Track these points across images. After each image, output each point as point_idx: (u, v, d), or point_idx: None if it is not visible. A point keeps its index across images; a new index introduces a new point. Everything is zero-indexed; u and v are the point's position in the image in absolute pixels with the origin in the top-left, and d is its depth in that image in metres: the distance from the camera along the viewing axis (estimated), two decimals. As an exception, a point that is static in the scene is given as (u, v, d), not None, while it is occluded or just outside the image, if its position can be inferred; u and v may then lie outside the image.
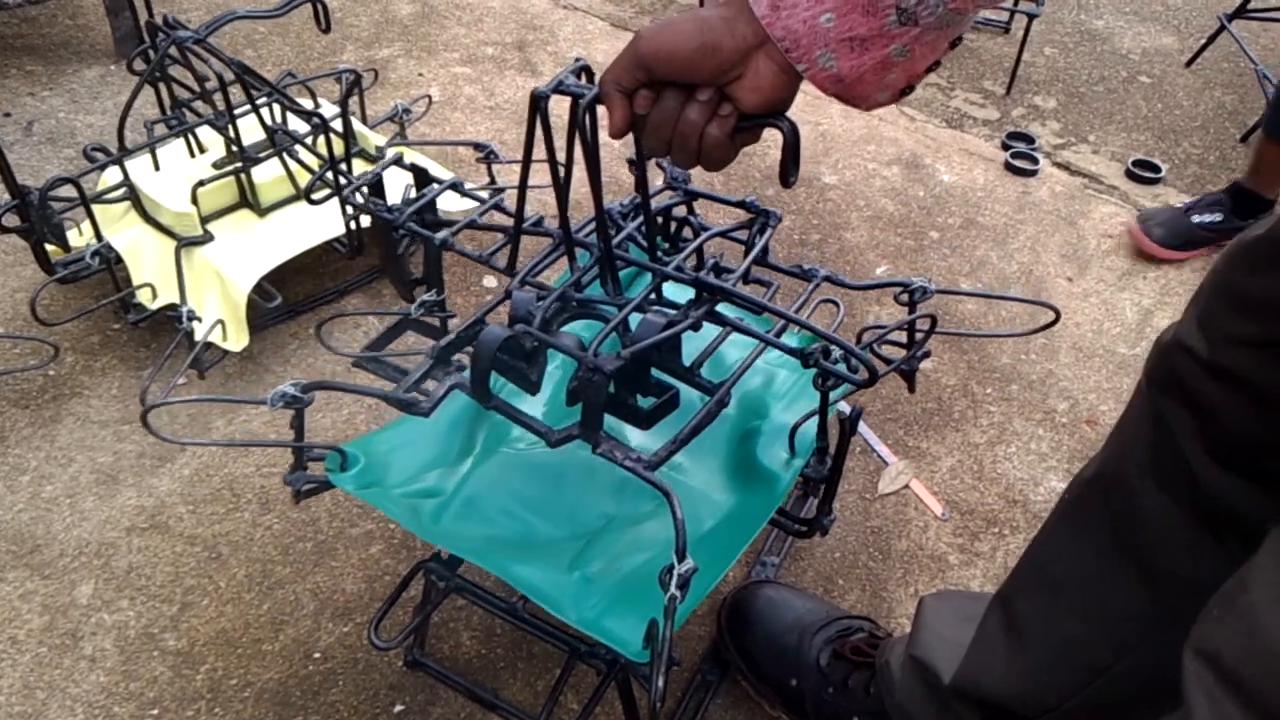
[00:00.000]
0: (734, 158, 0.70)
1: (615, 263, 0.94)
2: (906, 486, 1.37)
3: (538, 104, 0.78)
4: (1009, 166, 1.95)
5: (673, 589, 0.73)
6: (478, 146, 1.54)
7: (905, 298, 1.00)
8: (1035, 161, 1.95)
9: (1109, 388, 1.52)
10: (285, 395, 0.83)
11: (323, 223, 1.45)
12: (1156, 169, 1.97)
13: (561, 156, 0.83)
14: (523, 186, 0.89)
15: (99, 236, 1.36)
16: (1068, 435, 1.45)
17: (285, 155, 1.42)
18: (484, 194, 1.09)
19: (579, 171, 0.81)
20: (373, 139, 1.55)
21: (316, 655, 1.15)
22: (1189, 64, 2.36)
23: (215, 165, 1.42)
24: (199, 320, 1.33)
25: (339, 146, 1.38)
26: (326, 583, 1.21)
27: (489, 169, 1.55)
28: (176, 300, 1.35)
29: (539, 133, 0.80)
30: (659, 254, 0.98)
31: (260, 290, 1.38)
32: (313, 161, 1.43)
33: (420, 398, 0.87)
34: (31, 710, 1.09)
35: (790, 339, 0.95)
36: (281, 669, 1.13)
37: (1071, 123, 2.14)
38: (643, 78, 0.66)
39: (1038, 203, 1.87)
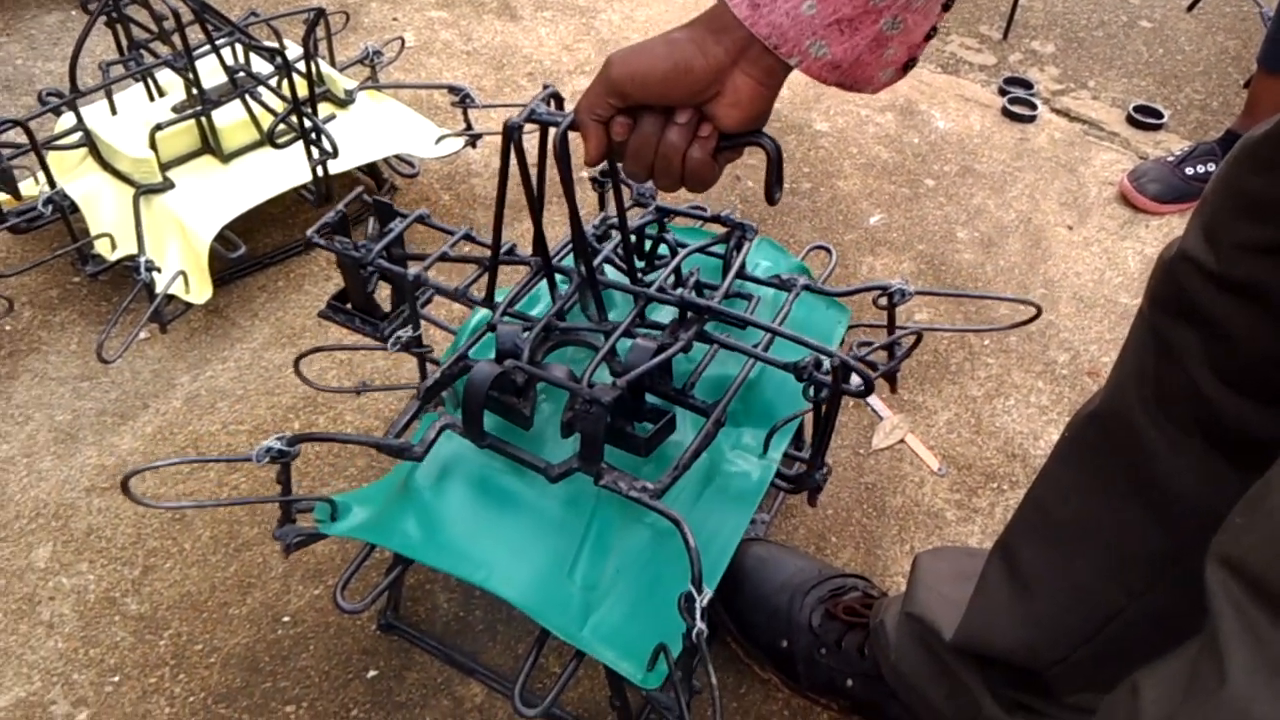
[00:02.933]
0: (718, 178, 0.69)
1: (598, 288, 0.93)
2: (902, 441, 1.32)
3: (510, 135, 0.77)
4: (1006, 113, 1.88)
5: (699, 624, 0.72)
6: (453, 90, 1.47)
7: (884, 301, 0.98)
8: (1033, 107, 1.88)
9: (1111, 338, 1.47)
10: (271, 450, 0.79)
11: (289, 170, 1.38)
12: (1159, 115, 1.91)
13: (533, 183, 0.82)
14: (498, 216, 0.87)
15: (52, 184, 1.29)
16: (1068, 387, 1.40)
17: (248, 98, 1.35)
18: (451, 226, 1.04)
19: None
20: (341, 82, 1.48)
21: (286, 619, 1.09)
22: (1190, 8, 2.29)
23: (175, 109, 1.35)
24: (159, 271, 1.26)
25: (304, 89, 1.31)
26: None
27: (465, 114, 1.48)
28: (136, 251, 1.28)
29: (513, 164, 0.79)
30: (637, 274, 0.97)
31: (223, 240, 1.32)
32: (278, 105, 1.36)
33: (411, 444, 0.85)
34: (-16, 679, 1.04)
35: (779, 350, 0.93)
36: (249, 633, 1.08)
37: (1070, 68, 2.07)
38: (617, 104, 0.65)
39: (1036, 150, 1.81)
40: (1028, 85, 1.96)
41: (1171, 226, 1.67)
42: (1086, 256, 1.60)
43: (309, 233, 1.00)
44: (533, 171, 0.82)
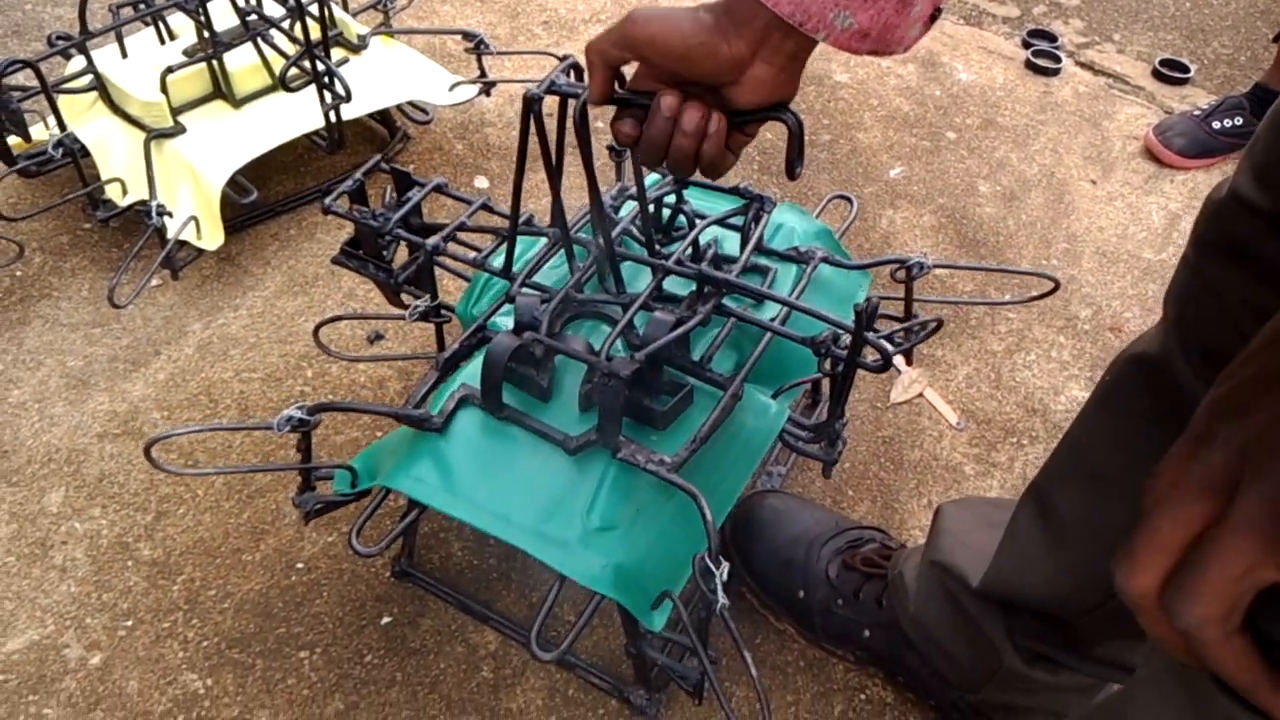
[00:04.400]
0: (734, 163, 0.69)
1: (617, 260, 0.92)
2: (920, 395, 1.31)
3: (531, 106, 0.76)
4: (1030, 65, 1.84)
5: (721, 599, 0.73)
6: (467, 35, 1.45)
7: (902, 274, 0.97)
8: (1057, 60, 1.85)
9: (1134, 294, 1.45)
10: (292, 419, 0.79)
11: (301, 115, 1.36)
12: (1185, 69, 1.87)
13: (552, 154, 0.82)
14: (517, 187, 0.86)
15: (63, 127, 1.27)
16: (1090, 343, 1.38)
17: (260, 41, 1.33)
18: (468, 195, 1.03)
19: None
20: (354, 27, 1.45)
21: (300, 566, 1.09)
22: (1219, -39, 2.24)
23: (186, 53, 1.33)
24: (170, 216, 1.25)
25: (317, 32, 1.29)
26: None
27: (479, 60, 1.45)
28: (147, 196, 1.27)
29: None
30: (655, 246, 0.96)
31: (235, 185, 1.30)
32: (290, 49, 1.34)
33: (430, 415, 0.85)
34: (0, 620, 1.03)
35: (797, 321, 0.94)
36: (263, 579, 1.08)
37: (1095, 21, 2.03)
38: (626, 57, 0.64)
39: (1060, 103, 1.78)
40: (1052, 38, 1.93)
41: (1196, 182, 1.64)
42: (1110, 211, 1.58)
43: (326, 202, 0.98)
44: (550, 140, 0.81)
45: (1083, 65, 1.89)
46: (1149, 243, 1.53)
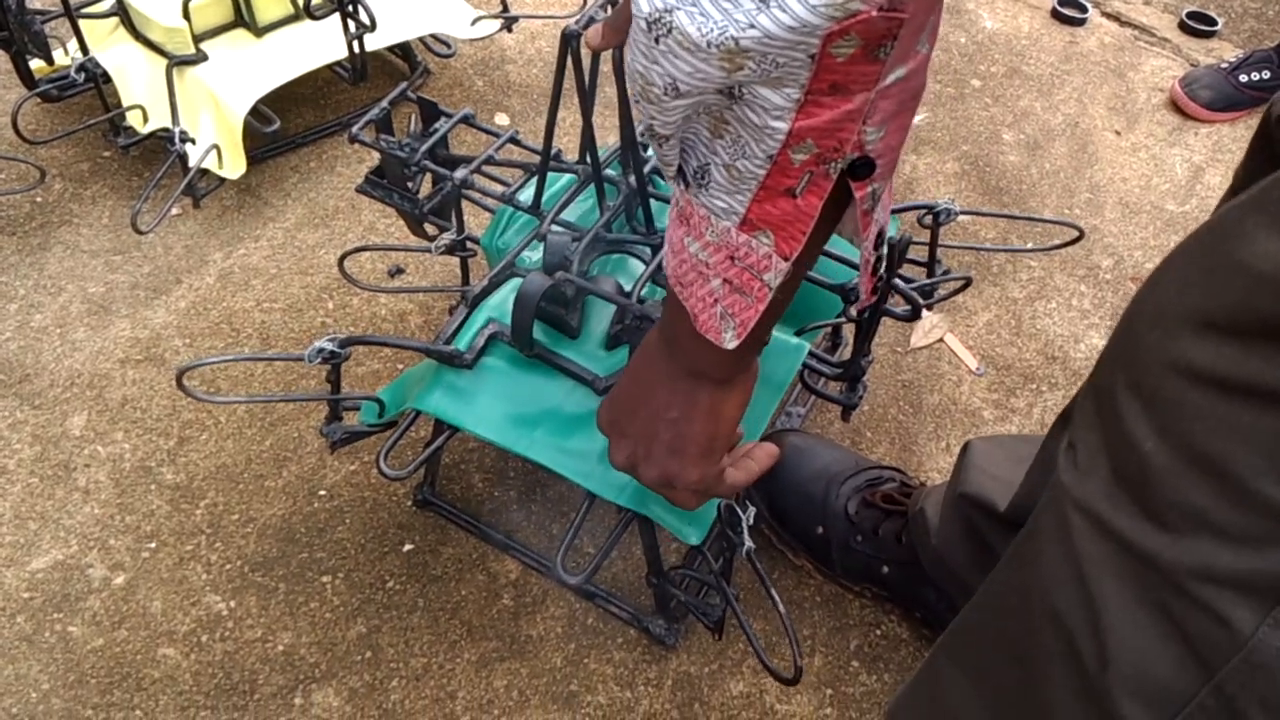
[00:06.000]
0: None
1: (648, 199, 0.91)
2: (940, 340, 1.31)
3: (569, 43, 0.76)
4: (1056, 14, 1.82)
5: (747, 541, 0.77)
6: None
7: (929, 220, 0.96)
8: (1084, 10, 1.82)
9: (1156, 244, 1.44)
10: (323, 351, 0.79)
11: (324, 45, 1.34)
12: (1212, 22, 1.84)
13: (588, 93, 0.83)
14: (551, 121, 0.86)
15: (85, 51, 1.26)
16: (1111, 292, 1.38)
17: (284, -33, 1.31)
18: (495, 129, 1.01)
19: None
20: (378, -43, 1.43)
21: (322, 493, 1.10)
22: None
23: (208, -22, 1.31)
24: (193, 143, 1.24)
25: (341, -42, 1.27)
26: (331, 420, 1.15)
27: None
28: (168, 123, 1.26)
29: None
30: None
31: (257, 114, 1.29)
32: (313, -23, 1.32)
33: (460, 351, 0.85)
34: (24, 540, 1.04)
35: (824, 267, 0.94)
36: (285, 505, 1.08)
37: (1123, -28, 2.00)
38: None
39: (1085, 53, 1.76)
40: (1079, -12, 1.90)
41: (1221, 135, 1.62)
42: (1134, 163, 1.57)
43: (353, 130, 0.97)
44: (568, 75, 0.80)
45: (1109, 16, 1.86)
46: (1172, 194, 1.52)
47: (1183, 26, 1.85)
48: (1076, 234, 1.03)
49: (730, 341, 0.52)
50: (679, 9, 0.39)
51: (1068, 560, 0.55)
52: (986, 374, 1.27)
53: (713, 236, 0.48)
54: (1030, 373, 1.28)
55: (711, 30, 0.38)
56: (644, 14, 0.40)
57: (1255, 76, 1.63)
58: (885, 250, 0.56)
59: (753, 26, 0.38)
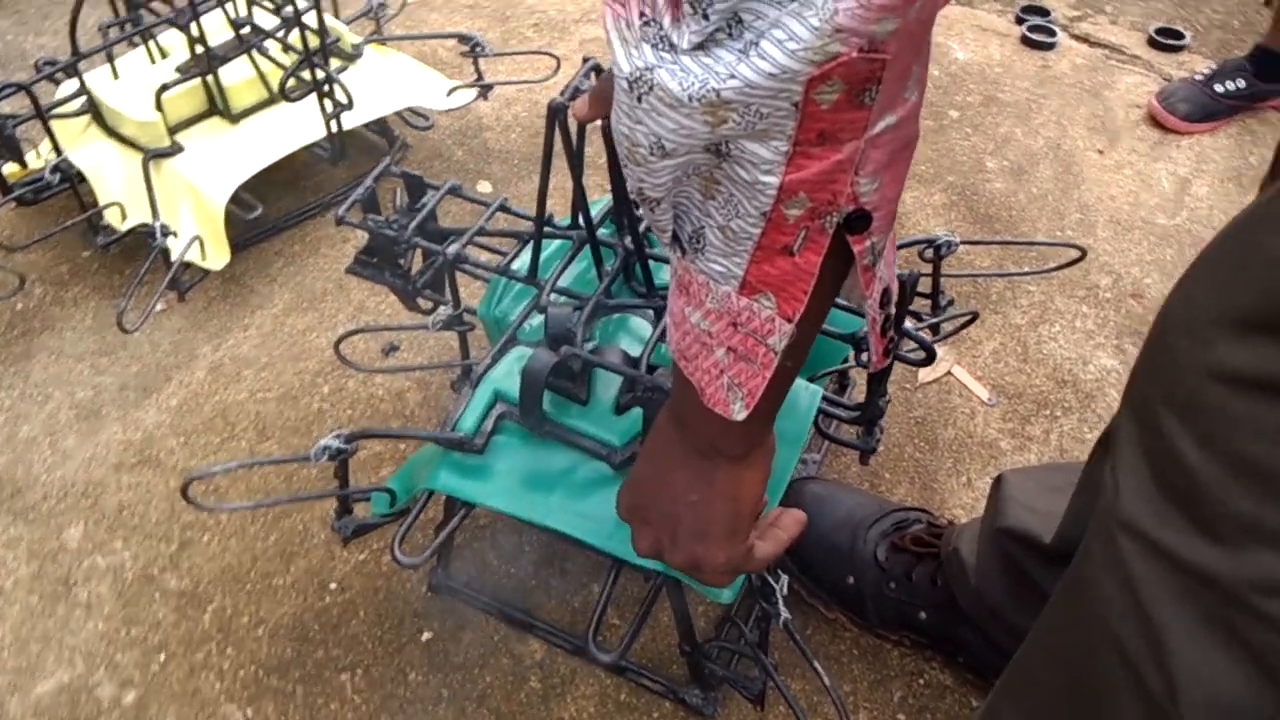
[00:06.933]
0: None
1: (647, 260, 0.90)
2: (948, 373, 1.28)
3: (556, 115, 0.77)
4: (1025, 40, 1.83)
5: (784, 613, 0.77)
6: (463, 38, 1.42)
7: (930, 254, 0.95)
8: (1052, 34, 1.83)
9: (1151, 260, 1.43)
10: (329, 449, 0.76)
11: (301, 126, 1.33)
12: (1180, 36, 1.86)
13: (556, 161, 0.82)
14: (542, 193, 0.86)
15: (59, 151, 1.24)
16: (1113, 311, 1.36)
17: (255, 53, 1.30)
18: (483, 198, 1.00)
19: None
20: (348, 36, 1.42)
21: (333, 586, 1.06)
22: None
23: (179, 69, 1.30)
24: (174, 236, 1.21)
25: (314, 40, 1.26)
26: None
27: (475, 63, 1.43)
28: (147, 219, 1.24)
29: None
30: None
31: (238, 201, 1.27)
32: (286, 61, 1.31)
33: (470, 436, 0.83)
34: (26, 664, 1.00)
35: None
36: (296, 603, 1.04)
37: (1085, -6, 2.02)
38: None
39: (1059, 76, 1.76)
40: (1044, 12, 1.91)
41: (1203, 146, 1.63)
42: (1119, 180, 1.56)
43: (339, 213, 0.95)
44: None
45: (1077, 38, 1.88)
46: (1161, 209, 1.52)
47: (1152, 43, 1.86)
48: (1078, 254, 1.01)
49: (739, 413, 0.49)
50: (659, 66, 0.38)
51: (1123, 586, 0.53)
52: (999, 404, 1.25)
53: (713, 303, 0.46)
54: (1042, 399, 1.26)
55: (693, 84, 0.37)
56: (625, 73, 0.39)
57: (1230, 86, 1.64)
58: (893, 310, 0.54)
59: (733, 76, 0.37)
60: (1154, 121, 1.66)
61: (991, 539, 0.89)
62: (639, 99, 0.39)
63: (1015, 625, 0.89)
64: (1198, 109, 1.64)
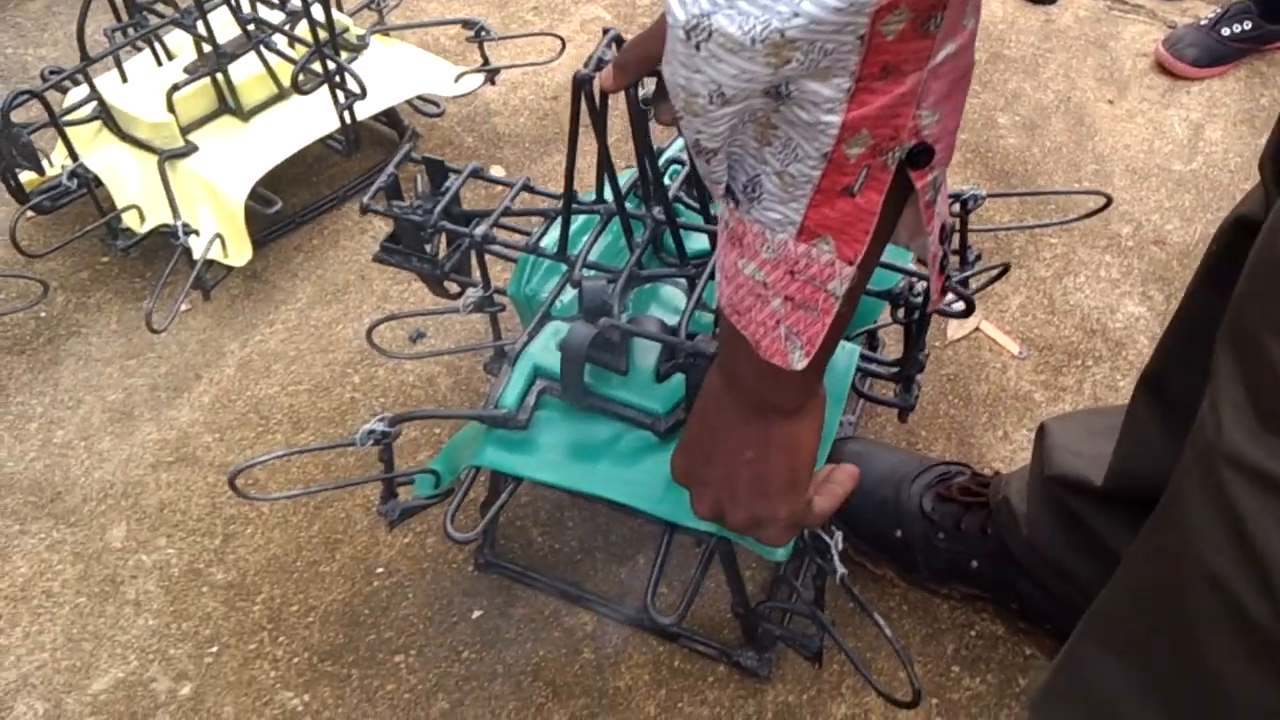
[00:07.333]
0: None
1: (678, 229, 0.89)
2: (976, 329, 1.28)
3: (581, 86, 0.76)
4: (1026, -4, 1.83)
5: (839, 569, 0.78)
6: (468, 24, 1.42)
7: (957, 208, 0.94)
8: (1052, -12, 1.83)
9: (1170, 206, 1.43)
10: (374, 433, 0.77)
11: (313, 120, 1.32)
12: (1180, -17, 1.85)
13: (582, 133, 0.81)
14: (570, 164, 0.85)
15: (74, 157, 1.24)
16: (1136, 258, 1.36)
17: (263, 49, 1.29)
18: (505, 179, 0.99)
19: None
20: (353, 28, 1.42)
21: (380, 570, 1.06)
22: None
23: (188, 69, 1.29)
24: (196, 234, 1.21)
25: (322, 32, 1.26)
26: (378, 496, 1.11)
27: (481, 48, 1.42)
28: (166, 220, 1.23)
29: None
30: (710, 210, 0.93)
31: (257, 196, 1.27)
32: (294, 54, 1.30)
33: (514, 413, 0.83)
34: (80, 663, 1.00)
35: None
36: (344, 589, 1.05)
37: (1082, -52, 2.01)
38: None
39: (1063, 29, 1.76)
40: (1043, -32, 1.90)
41: (1213, 90, 1.62)
42: (1132, 129, 1.56)
43: (365, 200, 0.95)
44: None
45: (1078, -9, 1.87)
46: (1176, 155, 1.51)
47: (1152, -9, 1.85)
48: (1105, 200, 1.01)
49: (799, 362, 0.49)
50: (716, 11, 0.37)
51: (1221, 519, 0.52)
52: (1029, 356, 1.25)
53: (769, 253, 0.45)
54: (1073, 349, 1.25)
55: (754, 26, 0.37)
56: (680, 22, 0.38)
57: (1237, 29, 1.63)
58: (950, 245, 0.53)
59: (797, 15, 0.36)
60: (1162, 69, 1.66)
61: (1041, 487, 0.89)
62: (697, 47, 0.38)
63: (1071, 571, 0.90)
64: (1205, 53, 1.63)
